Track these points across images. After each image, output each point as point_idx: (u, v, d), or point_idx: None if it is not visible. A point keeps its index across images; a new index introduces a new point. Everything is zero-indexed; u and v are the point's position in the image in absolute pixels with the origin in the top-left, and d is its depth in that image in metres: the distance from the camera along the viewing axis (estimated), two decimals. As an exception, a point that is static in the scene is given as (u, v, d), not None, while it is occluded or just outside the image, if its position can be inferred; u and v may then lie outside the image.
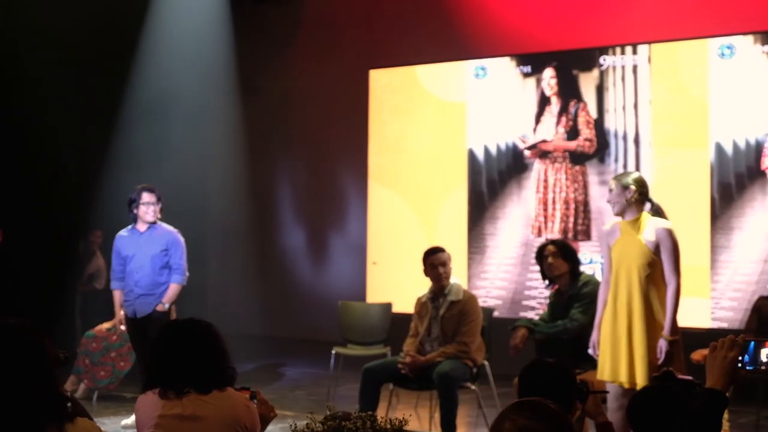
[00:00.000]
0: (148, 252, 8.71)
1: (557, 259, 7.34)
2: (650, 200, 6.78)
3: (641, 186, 6.69)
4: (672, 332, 6.49)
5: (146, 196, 8.66)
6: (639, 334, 6.55)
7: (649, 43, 10.93)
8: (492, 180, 11.85)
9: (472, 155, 11.96)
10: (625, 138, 11.04)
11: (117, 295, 9.01)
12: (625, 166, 10.95)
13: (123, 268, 8.82)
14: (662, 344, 6.47)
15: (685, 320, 10.43)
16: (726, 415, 3.34)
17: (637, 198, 6.64)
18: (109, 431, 8.12)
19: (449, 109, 12.13)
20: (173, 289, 8.78)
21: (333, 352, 9.90)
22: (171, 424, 3.86)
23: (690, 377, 3.79)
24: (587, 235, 11.08)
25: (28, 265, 11.36)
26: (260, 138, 13.29)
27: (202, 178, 12.35)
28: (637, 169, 10.86)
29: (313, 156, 13.40)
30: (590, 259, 10.88)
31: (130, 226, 8.83)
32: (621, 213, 6.71)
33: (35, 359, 3.33)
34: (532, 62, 11.68)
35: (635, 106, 10.99)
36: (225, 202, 13.12)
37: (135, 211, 8.68)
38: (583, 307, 7.12)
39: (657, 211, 6.76)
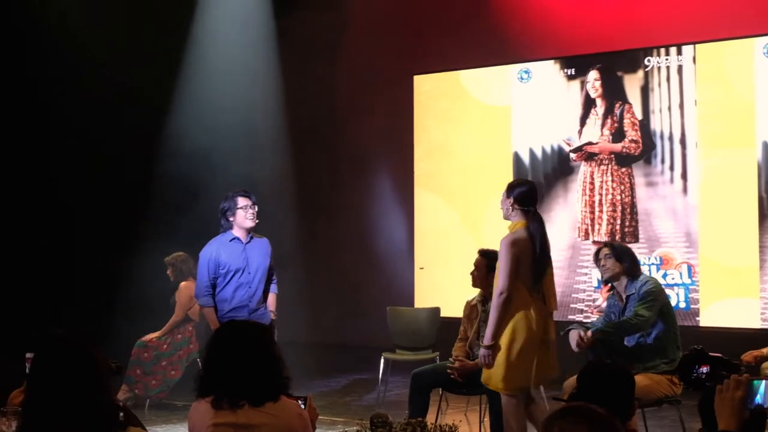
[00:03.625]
0: (261, 263, 8.20)
1: (610, 260, 7.26)
2: (529, 210, 6.82)
3: (516, 196, 6.80)
4: (493, 339, 6.63)
5: (242, 201, 8.10)
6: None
7: (694, 43, 10.89)
8: (538, 183, 11.81)
9: (517, 159, 11.96)
10: (671, 139, 11.00)
11: (212, 313, 8.14)
12: (671, 167, 10.93)
13: (213, 282, 8.13)
14: (482, 352, 6.73)
15: (734, 321, 10.43)
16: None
17: (516, 206, 6.78)
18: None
19: (494, 114, 12.14)
20: (275, 300, 8.41)
21: (382, 357, 9.93)
22: (225, 433, 3.86)
23: (719, 354, 3.77)
24: (635, 237, 11.04)
25: (79, 275, 11.50)
26: (305, 145, 13.34)
27: (248, 184, 12.39)
28: (684, 169, 10.85)
29: (358, 162, 13.43)
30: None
31: (225, 236, 8.19)
32: (505, 217, 6.91)
33: (87, 370, 3.39)
34: (577, 65, 11.67)
35: (681, 106, 10.95)
36: (271, 209, 13.16)
37: (231, 218, 8.10)
38: (648, 304, 6.98)
39: (538, 221, 6.84)
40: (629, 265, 7.19)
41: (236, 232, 8.13)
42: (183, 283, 10.09)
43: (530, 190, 6.90)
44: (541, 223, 6.85)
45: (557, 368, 6.92)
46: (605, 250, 7.31)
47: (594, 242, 11.36)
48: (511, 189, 6.85)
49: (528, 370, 6.72)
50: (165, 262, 10.26)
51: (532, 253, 6.71)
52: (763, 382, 3.28)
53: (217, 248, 8.12)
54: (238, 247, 8.12)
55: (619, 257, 7.22)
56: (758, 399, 3.26)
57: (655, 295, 6.99)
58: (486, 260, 7.93)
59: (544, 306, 6.78)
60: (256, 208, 8.12)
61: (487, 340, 6.69)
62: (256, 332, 4.04)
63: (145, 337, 10.06)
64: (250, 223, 8.10)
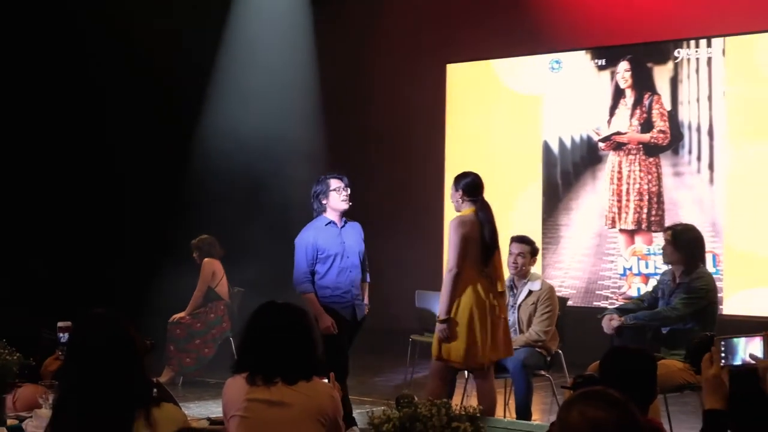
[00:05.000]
0: (356, 247, 7.94)
1: (669, 246, 7.10)
2: (477, 200, 7.15)
3: (463, 187, 7.18)
4: (447, 313, 6.96)
5: (335, 182, 7.83)
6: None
7: (724, 36, 10.97)
8: (566, 172, 11.97)
9: (547, 147, 12.08)
10: (699, 130, 11.09)
11: (314, 298, 7.77)
12: (698, 158, 11.02)
13: (312, 269, 7.82)
14: (438, 327, 7.02)
15: (757, 310, 10.50)
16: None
17: (465, 197, 7.15)
18: (194, 415, 8.29)
19: (525, 103, 12.25)
20: (368, 290, 8.11)
21: (410, 340, 10.09)
22: (259, 408, 3.98)
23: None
24: (661, 226, 11.10)
25: (119, 254, 11.66)
26: (338, 132, 13.44)
27: (282, 173, 12.46)
28: (711, 160, 10.95)
29: (390, 149, 13.50)
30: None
31: (320, 220, 7.89)
32: (457, 210, 7.24)
33: (123, 347, 3.56)
34: (607, 55, 11.77)
35: (709, 98, 11.04)
36: (304, 196, 13.26)
37: (324, 201, 7.82)
38: (689, 299, 6.82)
39: (486, 209, 7.15)
40: (686, 256, 6.98)
41: (330, 215, 7.85)
42: (206, 260, 10.27)
43: (474, 180, 7.23)
44: (488, 211, 7.15)
45: (510, 348, 7.21)
46: (668, 234, 7.13)
47: (620, 230, 11.50)
48: (457, 181, 7.23)
49: (484, 346, 7.00)
50: (191, 245, 10.41)
51: (480, 238, 7.02)
52: (742, 339, 3.36)
53: (314, 234, 7.82)
54: (334, 231, 7.86)
55: (677, 247, 7.05)
56: (741, 355, 3.34)
57: (702, 294, 6.81)
58: (530, 247, 8.07)
59: (492, 286, 7.06)
60: (349, 190, 7.87)
61: (441, 314, 6.97)
62: (294, 313, 4.18)
63: (173, 317, 10.26)
64: (344, 205, 7.83)
